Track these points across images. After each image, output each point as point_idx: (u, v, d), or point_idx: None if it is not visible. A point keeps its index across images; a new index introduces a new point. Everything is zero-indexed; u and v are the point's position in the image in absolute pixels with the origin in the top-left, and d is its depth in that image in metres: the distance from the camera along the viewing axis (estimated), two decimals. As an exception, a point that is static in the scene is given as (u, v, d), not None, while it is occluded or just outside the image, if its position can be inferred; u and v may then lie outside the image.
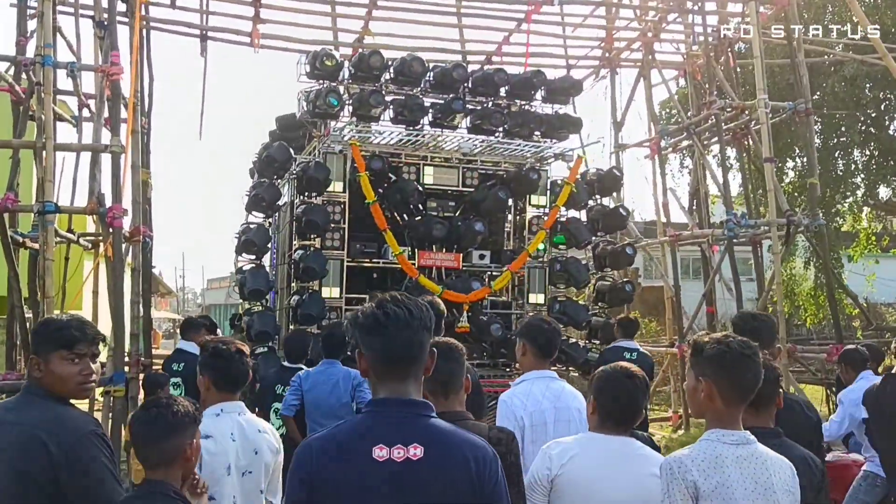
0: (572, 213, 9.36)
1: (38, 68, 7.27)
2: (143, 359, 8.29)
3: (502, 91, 9.16)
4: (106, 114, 7.81)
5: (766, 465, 2.39)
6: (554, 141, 9.31)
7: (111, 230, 7.37)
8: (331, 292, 8.26)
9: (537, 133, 9.19)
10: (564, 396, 3.62)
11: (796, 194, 16.57)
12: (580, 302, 9.42)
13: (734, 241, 10.27)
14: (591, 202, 9.56)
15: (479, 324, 8.62)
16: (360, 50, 8.71)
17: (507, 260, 9.25)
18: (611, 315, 9.29)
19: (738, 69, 11.98)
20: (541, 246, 9.09)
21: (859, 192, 18.12)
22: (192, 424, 2.65)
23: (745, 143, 11.78)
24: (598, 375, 2.89)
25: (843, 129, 17.05)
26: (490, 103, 9.17)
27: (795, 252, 17.32)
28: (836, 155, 17.36)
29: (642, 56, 12.44)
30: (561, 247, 9.32)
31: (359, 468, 1.91)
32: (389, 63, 8.69)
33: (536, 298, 9.16)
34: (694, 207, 12.16)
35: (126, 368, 7.43)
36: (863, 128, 17.01)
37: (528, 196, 9.30)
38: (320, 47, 8.60)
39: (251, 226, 8.16)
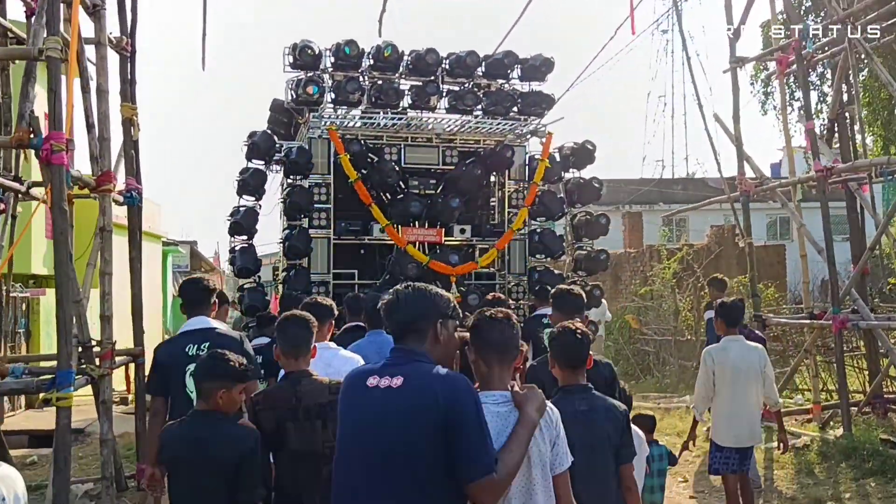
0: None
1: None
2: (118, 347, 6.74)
3: (479, 71, 9.51)
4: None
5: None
6: (533, 118, 9.64)
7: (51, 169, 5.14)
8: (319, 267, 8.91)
9: (514, 110, 9.54)
10: None
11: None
12: (555, 271, 9.80)
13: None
14: (566, 175, 9.87)
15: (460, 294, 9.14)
16: (338, 42, 9.17)
17: (487, 233, 9.71)
18: (587, 282, 9.62)
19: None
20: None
21: None
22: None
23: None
24: None
25: None
26: (470, 84, 9.55)
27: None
28: None
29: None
30: (539, 219, 9.71)
31: (358, 392, 2.73)
32: (366, 51, 9.19)
33: (517, 268, 9.65)
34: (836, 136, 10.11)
35: (97, 361, 6.19)
36: None
37: (507, 171, 9.69)
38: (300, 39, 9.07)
39: (240, 209, 8.78)
